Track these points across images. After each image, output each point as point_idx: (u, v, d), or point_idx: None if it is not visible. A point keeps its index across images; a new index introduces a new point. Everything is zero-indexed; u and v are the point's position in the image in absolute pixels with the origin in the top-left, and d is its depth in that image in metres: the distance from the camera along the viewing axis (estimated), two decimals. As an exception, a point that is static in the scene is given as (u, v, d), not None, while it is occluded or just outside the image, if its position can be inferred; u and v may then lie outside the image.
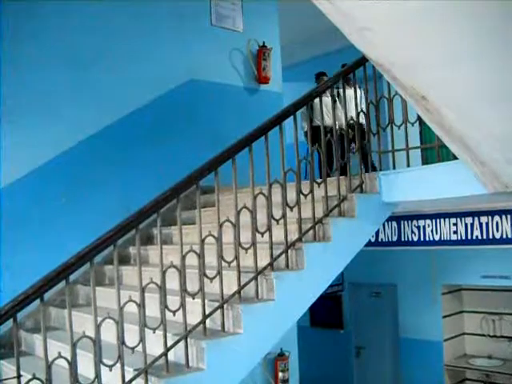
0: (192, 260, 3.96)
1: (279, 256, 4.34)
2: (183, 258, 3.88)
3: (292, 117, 4.57)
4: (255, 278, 4.18)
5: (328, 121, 5.92)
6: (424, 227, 8.00)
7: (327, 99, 6.15)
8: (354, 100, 5.12)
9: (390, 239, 8.45)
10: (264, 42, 8.01)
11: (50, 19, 6.25)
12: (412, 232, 8.18)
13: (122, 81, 6.62)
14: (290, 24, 8.82)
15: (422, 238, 8.04)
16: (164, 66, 6.94)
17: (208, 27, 7.61)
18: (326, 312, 10.16)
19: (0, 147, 5.73)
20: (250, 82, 7.99)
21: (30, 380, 3.32)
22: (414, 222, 8.12)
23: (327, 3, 2.53)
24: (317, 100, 4.94)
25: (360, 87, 5.28)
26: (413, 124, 5.04)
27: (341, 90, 5.20)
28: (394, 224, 8.38)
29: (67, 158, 6.17)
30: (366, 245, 5.01)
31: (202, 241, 3.98)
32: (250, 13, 8.02)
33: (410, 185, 4.81)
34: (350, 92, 5.26)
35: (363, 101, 5.41)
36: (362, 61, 4.78)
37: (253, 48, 8.02)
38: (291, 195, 4.49)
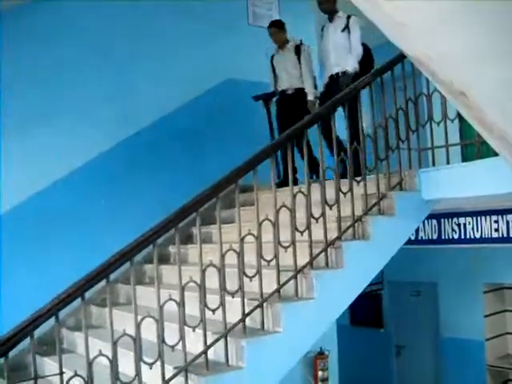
0: (231, 259, 3.96)
1: (319, 254, 4.33)
2: (222, 256, 3.90)
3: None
4: (295, 277, 4.17)
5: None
6: (464, 225, 7.88)
7: None
8: None
9: (430, 237, 8.34)
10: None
11: (82, 20, 6.34)
12: (452, 230, 8.06)
13: (158, 82, 6.68)
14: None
15: (462, 236, 7.92)
16: (200, 66, 6.97)
17: (245, 26, 7.63)
18: (365, 311, 10.09)
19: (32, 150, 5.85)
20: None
21: (72, 377, 3.37)
22: (455, 219, 8.00)
23: (364, 1, 2.50)
24: None
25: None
26: (452, 120, 4.98)
27: None
28: (434, 222, 8.28)
29: (106, 160, 6.25)
30: (406, 243, 4.96)
31: (242, 239, 3.99)
32: (287, 11, 8.02)
33: (450, 182, 4.75)
34: None
35: None
36: (401, 57, 4.74)
37: (291, 46, 8.01)
38: (330, 193, 4.47)
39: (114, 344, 3.52)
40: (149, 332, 3.79)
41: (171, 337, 3.68)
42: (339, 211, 4.45)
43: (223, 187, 4.02)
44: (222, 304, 3.84)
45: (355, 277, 4.47)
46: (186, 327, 3.72)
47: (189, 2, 6.99)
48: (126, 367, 3.75)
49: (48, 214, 5.95)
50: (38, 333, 3.47)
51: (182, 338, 3.69)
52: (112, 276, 3.66)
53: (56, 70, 6.09)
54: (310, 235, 4.28)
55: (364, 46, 6.41)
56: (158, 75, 6.70)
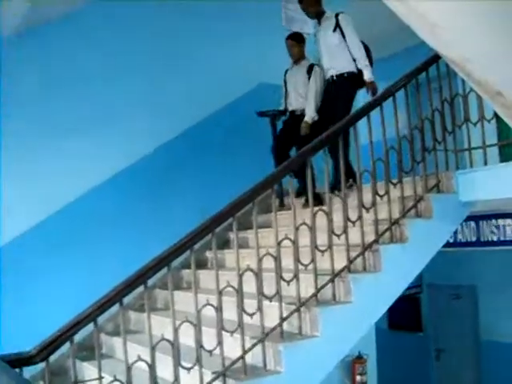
0: (268, 263, 3.96)
1: (356, 258, 4.31)
2: (260, 261, 3.90)
3: (366, 117, 4.53)
4: (332, 281, 4.16)
5: None
6: (504, 226, 7.78)
7: None
8: None
9: (469, 239, 8.25)
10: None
11: (119, 28, 6.45)
12: (491, 232, 7.97)
13: (193, 88, 6.70)
14: (361, 24, 8.71)
15: (502, 238, 7.83)
16: (233, 71, 6.97)
17: (279, 27, 7.61)
18: (404, 314, 9.99)
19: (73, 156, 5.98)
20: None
21: (111, 382, 3.40)
22: (493, 221, 7.91)
23: (398, 2, 2.49)
24: None
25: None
26: (489, 121, 4.92)
27: None
28: (473, 224, 8.19)
29: (145, 164, 6.34)
30: (444, 246, 4.91)
31: (279, 244, 3.98)
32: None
33: (488, 183, 4.69)
34: None
35: None
36: (435, 58, 4.70)
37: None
38: (367, 196, 4.45)
39: (153, 349, 3.55)
40: (187, 337, 3.80)
41: (209, 341, 3.70)
42: (376, 214, 4.43)
43: (259, 192, 4.03)
44: (260, 308, 3.84)
45: (393, 280, 4.43)
46: (223, 332, 3.73)
47: (221, 4, 7.02)
48: (165, 372, 3.78)
49: (91, 218, 6.05)
50: (77, 338, 3.51)
51: (220, 342, 3.70)
52: (150, 281, 3.69)
53: (85, 80, 6.17)
54: (346, 239, 4.27)
55: (361, 42, 6.21)
56: (192, 80, 6.73)
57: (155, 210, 6.34)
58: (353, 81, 6.12)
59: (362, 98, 6.22)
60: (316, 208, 4.24)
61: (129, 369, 3.47)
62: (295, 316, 4.01)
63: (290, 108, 6.67)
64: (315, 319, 4.01)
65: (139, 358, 3.48)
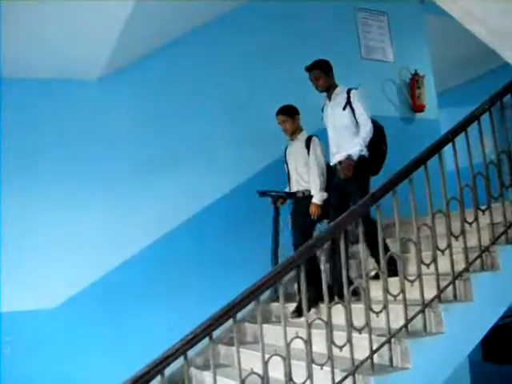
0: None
1: (446, 287, 4.21)
2: (349, 292, 3.87)
3: (451, 143, 4.45)
4: (422, 311, 4.08)
5: None
6: None
7: None
8: None
9: None
10: (416, 70, 7.92)
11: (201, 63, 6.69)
12: None
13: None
14: (441, 49, 8.64)
15: None
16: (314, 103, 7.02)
17: (358, 60, 7.63)
18: (500, 345, 9.64)
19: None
20: (405, 111, 7.95)
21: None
22: None
23: (479, 26, 2.46)
24: None
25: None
26: None
27: None
28: None
29: (226, 202, 6.57)
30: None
31: (367, 275, 3.95)
32: (399, 42, 8.01)
33: None
34: None
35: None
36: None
37: (405, 77, 7.96)
38: (455, 224, 4.35)
39: (242, 383, 3.54)
40: (276, 370, 3.78)
41: (299, 375, 3.66)
42: (465, 242, 4.33)
43: (349, 221, 4.01)
44: (349, 341, 3.80)
45: (486, 309, 4.30)
46: (313, 365, 3.70)
47: (300, 37, 7.11)
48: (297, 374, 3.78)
49: (174, 256, 6.20)
50: (167, 372, 3.54)
51: (310, 375, 3.67)
52: (239, 315, 3.70)
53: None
54: (436, 268, 4.18)
55: (374, 123, 5.49)
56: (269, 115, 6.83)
57: (238, 248, 6.43)
58: (363, 166, 5.41)
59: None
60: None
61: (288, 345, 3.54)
62: (385, 348, 3.94)
63: (293, 190, 6.07)
64: (406, 351, 3.93)
65: (296, 335, 3.56)
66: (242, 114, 6.81)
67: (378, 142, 5.52)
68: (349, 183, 5.34)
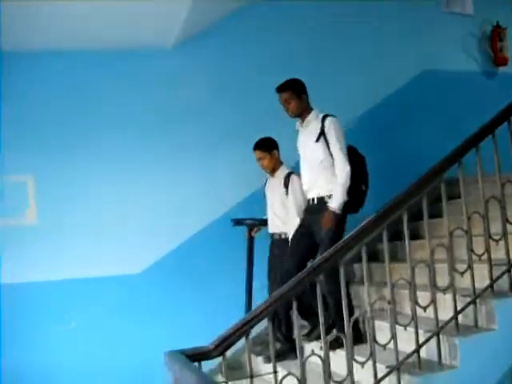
0: (440, 254, 3.84)
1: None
2: (432, 252, 3.76)
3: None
4: (509, 270, 3.96)
5: None
6: None
7: None
8: None
9: None
10: (498, 22, 7.61)
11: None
12: None
13: (353, 82, 6.61)
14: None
15: None
16: (395, 61, 6.81)
17: (437, 14, 7.37)
18: None
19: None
20: (486, 65, 7.70)
21: (285, 376, 3.37)
22: None
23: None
24: None
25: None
26: None
27: None
28: None
29: None
30: None
31: (450, 234, 3.83)
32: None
33: None
34: None
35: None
36: None
37: (486, 30, 7.67)
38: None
39: (326, 343, 3.51)
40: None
41: (382, 336, 3.63)
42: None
43: (428, 183, 3.85)
44: (433, 301, 3.71)
45: None
46: (397, 325, 3.63)
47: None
48: (338, 365, 3.77)
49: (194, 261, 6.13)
50: (253, 333, 3.53)
51: (394, 336, 3.61)
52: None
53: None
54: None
55: (353, 152, 4.81)
56: (351, 76, 6.70)
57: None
58: (341, 218, 4.68)
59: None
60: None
61: (303, 364, 3.46)
62: (470, 308, 3.84)
63: (269, 231, 5.56)
64: (491, 311, 3.83)
65: (312, 353, 3.46)
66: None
67: (357, 180, 4.74)
68: (319, 228, 4.68)
